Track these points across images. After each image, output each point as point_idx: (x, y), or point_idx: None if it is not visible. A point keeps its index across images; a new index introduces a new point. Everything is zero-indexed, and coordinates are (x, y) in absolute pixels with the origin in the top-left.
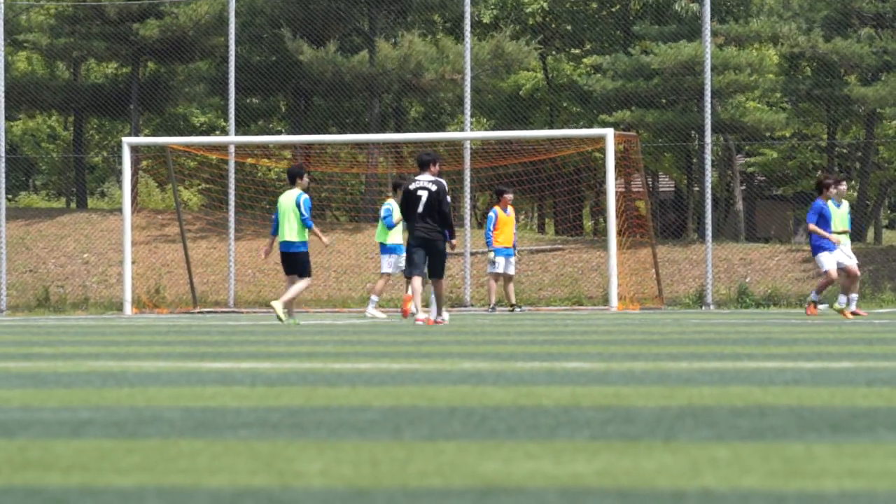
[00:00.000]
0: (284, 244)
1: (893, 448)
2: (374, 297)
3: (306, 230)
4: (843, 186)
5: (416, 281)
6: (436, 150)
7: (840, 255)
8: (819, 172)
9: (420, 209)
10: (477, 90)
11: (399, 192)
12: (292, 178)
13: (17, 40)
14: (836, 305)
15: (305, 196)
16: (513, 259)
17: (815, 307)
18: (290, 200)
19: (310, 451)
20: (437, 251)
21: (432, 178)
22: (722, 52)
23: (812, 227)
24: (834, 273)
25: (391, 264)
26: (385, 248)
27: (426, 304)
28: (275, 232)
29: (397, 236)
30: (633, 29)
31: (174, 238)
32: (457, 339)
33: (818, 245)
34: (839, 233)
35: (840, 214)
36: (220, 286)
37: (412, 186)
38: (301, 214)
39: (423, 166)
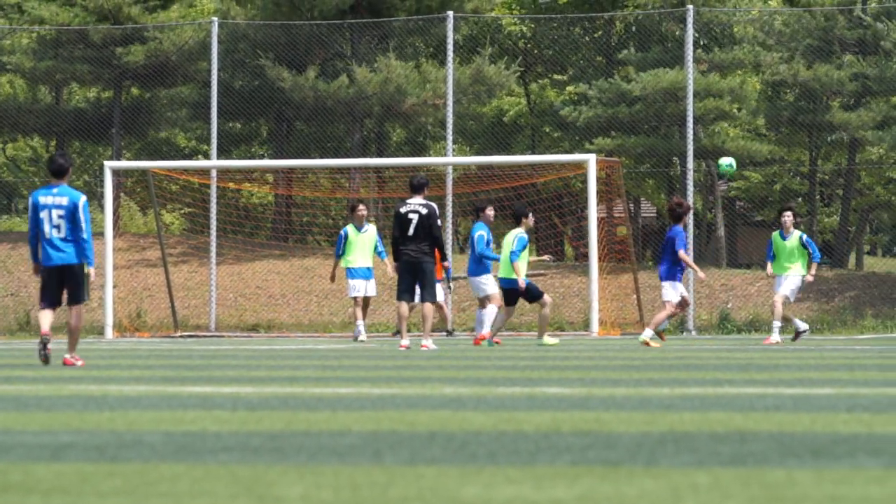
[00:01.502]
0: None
1: (874, 474)
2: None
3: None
4: (789, 216)
5: (403, 307)
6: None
7: (682, 289)
8: (674, 198)
9: (410, 232)
10: (459, 115)
11: (354, 213)
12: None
13: (1, 62)
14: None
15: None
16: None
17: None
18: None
19: (290, 476)
20: (426, 272)
21: (423, 202)
22: (704, 79)
23: (682, 254)
24: (674, 306)
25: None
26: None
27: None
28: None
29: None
30: (617, 56)
31: (155, 262)
32: (438, 364)
33: (670, 275)
34: (786, 267)
35: (788, 248)
36: (201, 310)
37: (403, 210)
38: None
39: (417, 189)
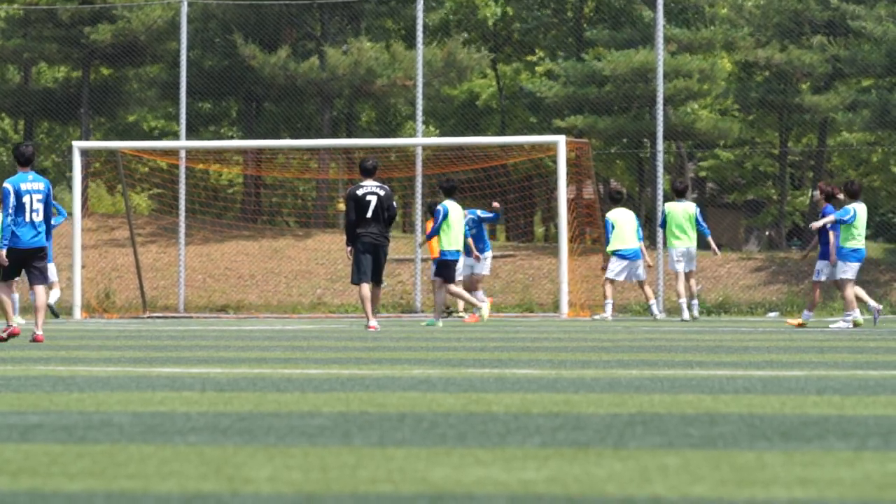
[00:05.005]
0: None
1: (844, 456)
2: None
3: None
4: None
5: (365, 288)
6: (388, 156)
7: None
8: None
9: (369, 214)
10: (429, 97)
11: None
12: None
13: None
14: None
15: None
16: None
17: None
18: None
19: (259, 457)
20: (384, 255)
21: (378, 184)
22: (674, 59)
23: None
24: None
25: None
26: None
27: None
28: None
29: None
30: (586, 35)
31: (124, 242)
32: (407, 346)
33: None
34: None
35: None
36: (170, 291)
37: (360, 192)
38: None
39: (370, 172)
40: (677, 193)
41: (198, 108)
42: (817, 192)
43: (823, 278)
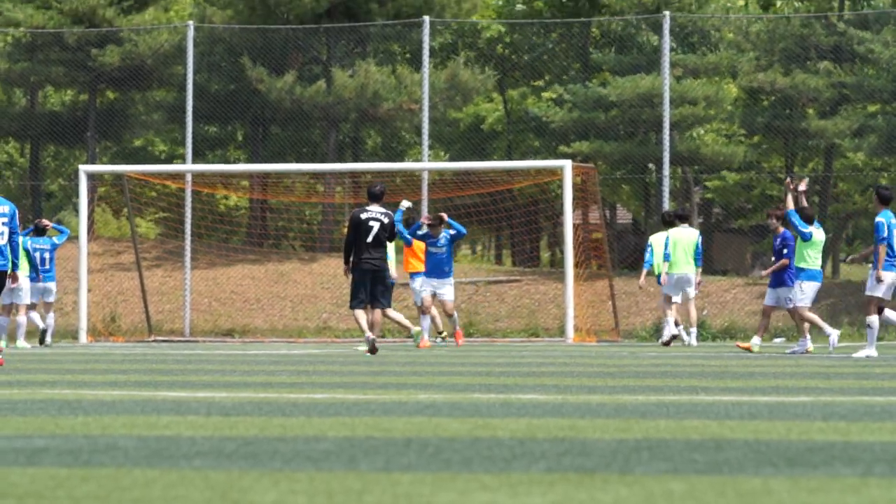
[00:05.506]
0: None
1: (850, 483)
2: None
3: None
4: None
5: (359, 312)
6: (393, 179)
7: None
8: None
9: (369, 239)
10: (435, 121)
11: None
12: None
13: None
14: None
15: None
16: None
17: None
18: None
19: (264, 482)
20: (384, 281)
21: (383, 210)
22: (680, 85)
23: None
24: None
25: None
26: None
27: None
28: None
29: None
30: (592, 58)
31: (129, 266)
32: (413, 371)
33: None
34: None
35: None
36: (175, 315)
37: (364, 216)
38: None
39: (378, 198)
40: (680, 219)
41: (204, 132)
42: (773, 220)
43: (792, 305)
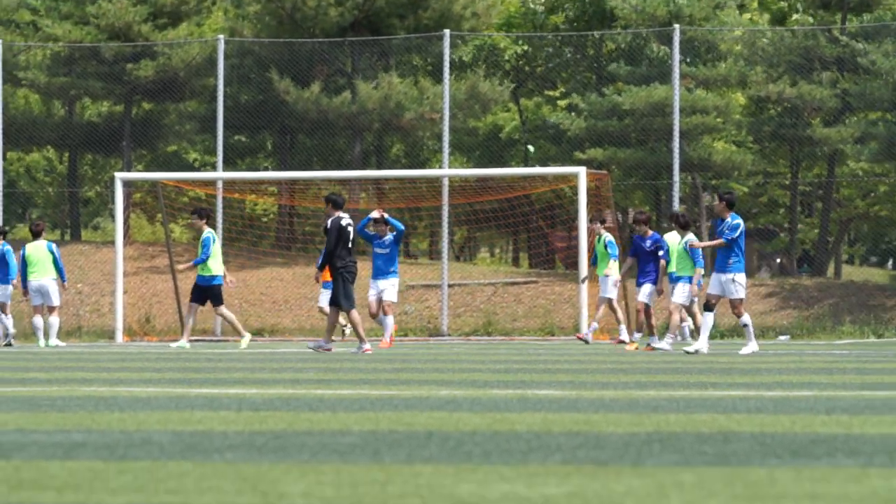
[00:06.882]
0: None
1: (852, 473)
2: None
3: None
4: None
5: (355, 313)
6: (416, 185)
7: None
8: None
9: (350, 244)
10: (455, 130)
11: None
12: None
13: (16, 77)
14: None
15: None
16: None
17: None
18: None
19: (293, 473)
20: (353, 282)
21: (348, 215)
22: (690, 95)
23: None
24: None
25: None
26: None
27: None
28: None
29: None
30: (607, 69)
31: (163, 269)
32: (434, 367)
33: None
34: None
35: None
36: (207, 315)
37: (344, 223)
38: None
39: (343, 205)
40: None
41: (234, 141)
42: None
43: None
